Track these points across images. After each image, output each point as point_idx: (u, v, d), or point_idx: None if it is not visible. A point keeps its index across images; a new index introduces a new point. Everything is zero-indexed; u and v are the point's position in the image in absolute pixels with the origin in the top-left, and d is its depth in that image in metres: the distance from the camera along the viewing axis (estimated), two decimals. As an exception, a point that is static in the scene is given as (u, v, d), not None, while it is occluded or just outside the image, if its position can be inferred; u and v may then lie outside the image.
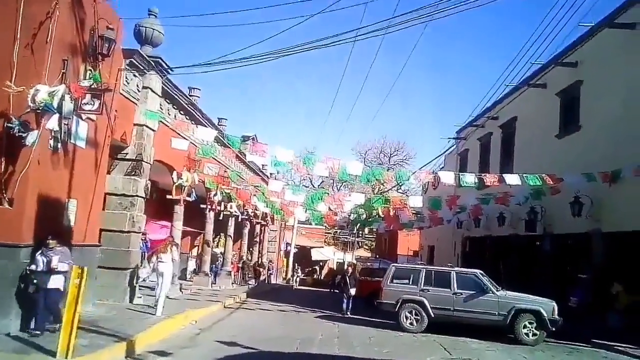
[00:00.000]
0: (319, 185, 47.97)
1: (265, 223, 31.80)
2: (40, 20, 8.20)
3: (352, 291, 16.38)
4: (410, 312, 13.12)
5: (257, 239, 31.09)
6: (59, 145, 8.73)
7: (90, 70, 9.50)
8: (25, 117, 7.66)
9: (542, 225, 16.68)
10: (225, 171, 18.20)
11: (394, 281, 13.96)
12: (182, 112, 15.28)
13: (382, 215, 20.70)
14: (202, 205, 19.54)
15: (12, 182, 7.85)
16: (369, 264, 37.83)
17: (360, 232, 56.64)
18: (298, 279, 41.11)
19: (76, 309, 6.72)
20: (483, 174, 14.66)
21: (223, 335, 10.21)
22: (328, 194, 17.44)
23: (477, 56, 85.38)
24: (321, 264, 49.82)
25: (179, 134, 13.87)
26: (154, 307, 11.18)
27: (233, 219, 23.89)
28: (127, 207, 12.14)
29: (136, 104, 12.32)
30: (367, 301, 16.71)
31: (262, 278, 25.08)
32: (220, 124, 20.03)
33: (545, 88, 17.36)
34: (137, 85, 12.33)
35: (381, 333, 12.44)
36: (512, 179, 13.53)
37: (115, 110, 11.22)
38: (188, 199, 15.79)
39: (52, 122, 7.78)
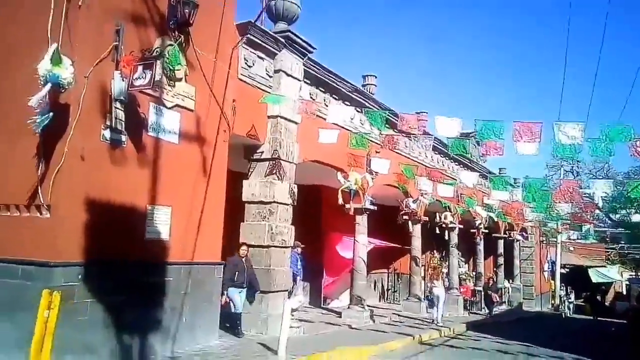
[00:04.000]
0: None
1: (509, 237, 26.34)
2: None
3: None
4: None
5: (501, 256, 25.82)
6: (123, 137, 7.09)
7: (170, 44, 7.77)
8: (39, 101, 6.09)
9: None
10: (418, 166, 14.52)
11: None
12: (345, 101, 12.60)
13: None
14: (404, 217, 16.36)
15: (47, 184, 6.40)
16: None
17: (661, 246, 43.68)
18: (572, 306, 33.13)
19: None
20: None
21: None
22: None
23: None
24: (604, 287, 39.73)
25: (339, 126, 11.27)
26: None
27: (455, 232, 19.89)
28: (266, 216, 10.02)
29: (267, 92, 10.25)
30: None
31: (494, 304, 19.96)
32: (367, 82, 16.02)
33: None
34: (267, 69, 10.29)
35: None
36: None
37: (234, 100, 9.35)
38: (357, 206, 12.91)
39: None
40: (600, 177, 21.61)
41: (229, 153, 9.83)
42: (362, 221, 13.85)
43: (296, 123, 10.63)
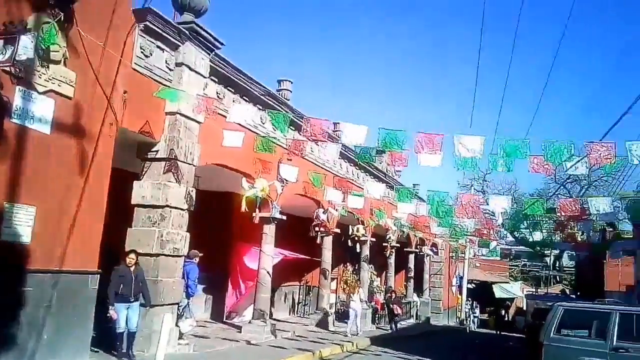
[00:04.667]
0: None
1: (420, 251, 26.89)
2: None
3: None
4: (595, 392, 7.47)
5: (412, 270, 26.23)
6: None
7: (47, 21, 6.82)
8: None
9: None
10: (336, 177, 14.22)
11: (564, 332, 8.35)
12: (257, 104, 12.00)
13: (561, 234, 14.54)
14: (316, 229, 15.94)
15: None
16: (549, 303, 29.50)
17: (558, 264, 46.92)
18: (477, 320, 34.38)
19: None
20: None
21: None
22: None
23: None
24: (508, 303, 41.80)
25: (246, 128, 10.67)
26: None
27: (366, 245, 19.83)
28: (157, 222, 9.14)
29: (167, 86, 9.44)
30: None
31: (397, 317, 19.94)
32: (281, 87, 15.19)
33: None
34: (167, 62, 9.49)
35: None
36: None
37: (125, 91, 8.48)
38: (265, 215, 12.34)
39: None
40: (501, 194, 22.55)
41: (122, 150, 8.91)
42: (269, 231, 13.27)
43: (198, 122, 9.87)
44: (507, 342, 21.34)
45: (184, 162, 9.53)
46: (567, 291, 38.98)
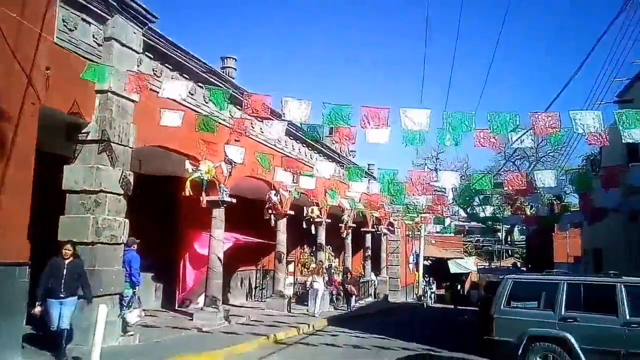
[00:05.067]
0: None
1: (376, 231, 27.03)
2: None
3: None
4: (544, 360, 7.57)
5: (368, 250, 26.34)
6: None
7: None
8: None
9: None
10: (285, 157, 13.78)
11: (513, 304, 8.38)
12: (198, 82, 11.43)
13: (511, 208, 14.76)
14: (269, 211, 15.58)
15: None
16: (500, 276, 30.48)
17: (509, 238, 48.46)
18: (434, 296, 35.07)
19: None
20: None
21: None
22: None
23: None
24: (463, 278, 42.91)
25: (187, 107, 10.13)
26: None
27: (322, 226, 19.68)
28: (91, 208, 8.56)
29: (96, 63, 8.76)
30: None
31: (353, 297, 19.91)
32: (226, 65, 14.45)
33: None
34: (94, 36, 8.82)
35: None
36: None
37: (47, 68, 7.81)
38: (213, 198, 11.90)
39: None
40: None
41: (52, 133, 8.31)
42: (219, 215, 12.83)
43: (133, 101, 9.27)
44: (462, 316, 21.78)
45: (119, 144, 8.94)
46: (519, 264, 40.38)
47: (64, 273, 7.73)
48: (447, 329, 16.74)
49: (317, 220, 18.55)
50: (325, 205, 19.22)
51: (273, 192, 14.75)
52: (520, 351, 7.80)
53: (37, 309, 7.49)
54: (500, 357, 8.21)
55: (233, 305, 18.02)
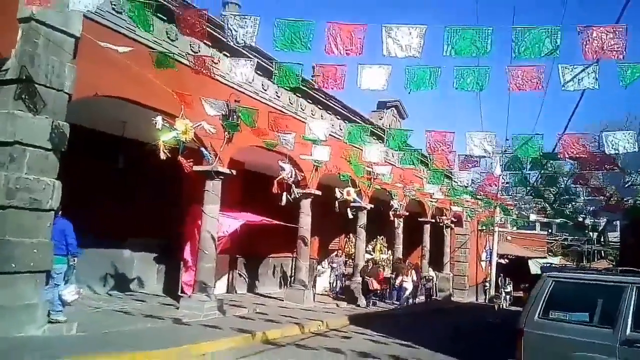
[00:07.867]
0: None
1: (437, 222, 24.07)
2: None
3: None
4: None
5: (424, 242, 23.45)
6: None
7: None
8: None
9: None
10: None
11: (553, 314, 5.66)
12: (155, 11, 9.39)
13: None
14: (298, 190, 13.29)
15: None
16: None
17: (602, 238, 42.62)
18: (509, 297, 31.11)
19: None
20: None
21: None
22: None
23: None
24: (546, 279, 38.26)
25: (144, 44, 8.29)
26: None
27: (363, 212, 17.29)
28: (4, 164, 6.95)
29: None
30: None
31: (371, 293, 16.72)
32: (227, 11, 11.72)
33: None
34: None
35: None
36: None
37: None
38: (202, 168, 9.99)
39: None
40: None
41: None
42: (213, 188, 10.99)
43: (72, 36, 7.57)
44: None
45: (47, 87, 7.25)
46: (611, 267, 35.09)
47: None
48: (504, 339, 13.75)
49: (354, 204, 16.01)
50: (366, 187, 16.81)
51: (285, 161, 12.13)
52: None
53: None
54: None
55: (259, 294, 16.29)
